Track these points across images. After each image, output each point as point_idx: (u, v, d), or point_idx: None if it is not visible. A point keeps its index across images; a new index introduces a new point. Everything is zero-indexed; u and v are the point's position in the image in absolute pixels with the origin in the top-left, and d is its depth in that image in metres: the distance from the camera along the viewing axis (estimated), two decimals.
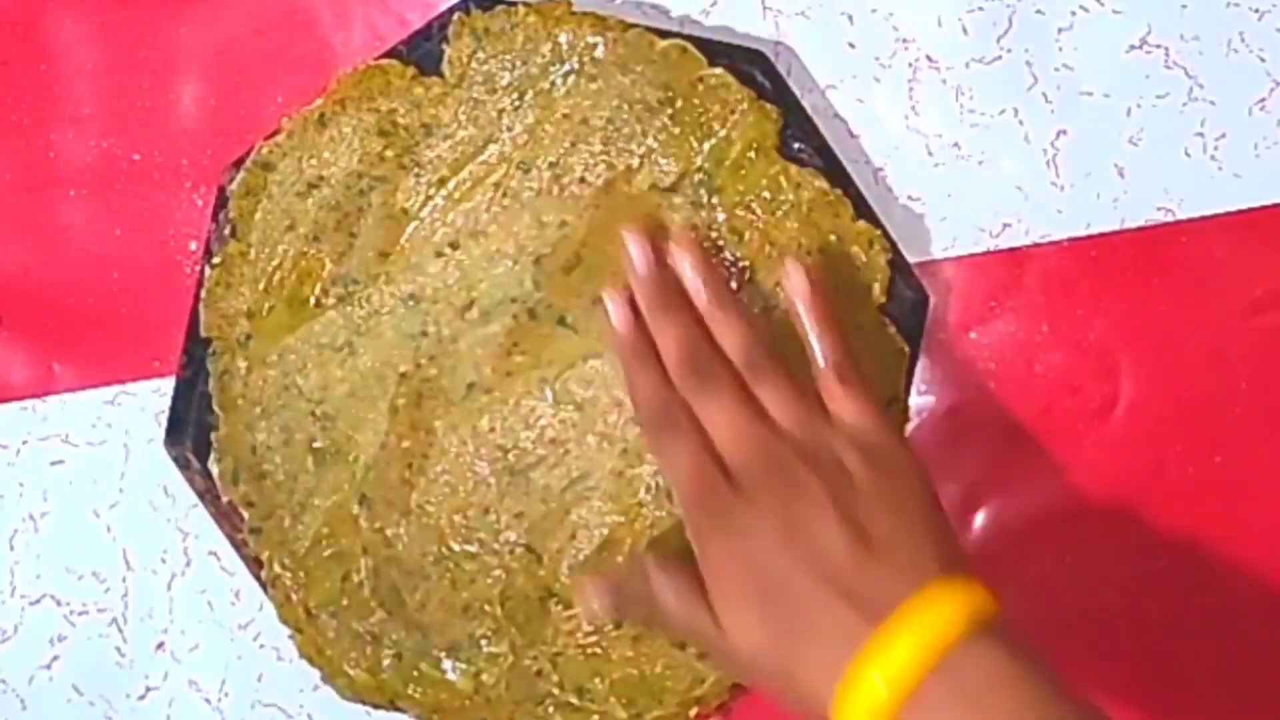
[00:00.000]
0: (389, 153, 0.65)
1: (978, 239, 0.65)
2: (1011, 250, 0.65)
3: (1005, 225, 0.65)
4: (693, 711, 0.63)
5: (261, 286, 0.66)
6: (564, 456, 0.64)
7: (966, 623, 0.48)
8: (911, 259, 0.64)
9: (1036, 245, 0.65)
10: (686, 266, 0.60)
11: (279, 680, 0.69)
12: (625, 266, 0.61)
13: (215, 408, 0.66)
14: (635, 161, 0.64)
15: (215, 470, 0.66)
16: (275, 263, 0.66)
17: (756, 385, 0.56)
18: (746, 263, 0.63)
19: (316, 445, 0.65)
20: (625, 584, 0.57)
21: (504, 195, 0.65)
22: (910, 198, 0.65)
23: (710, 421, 0.56)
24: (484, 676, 0.64)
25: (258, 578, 0.67)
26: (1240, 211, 0.64)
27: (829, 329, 0.57)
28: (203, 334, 0.66)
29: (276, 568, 0.66)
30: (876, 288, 0.63)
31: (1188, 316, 0.64)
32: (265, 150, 0.66)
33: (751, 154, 0.63)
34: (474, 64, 0.65)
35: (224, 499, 0.66)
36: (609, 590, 0.57)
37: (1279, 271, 0.64)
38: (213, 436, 0.66)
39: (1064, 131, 0.65)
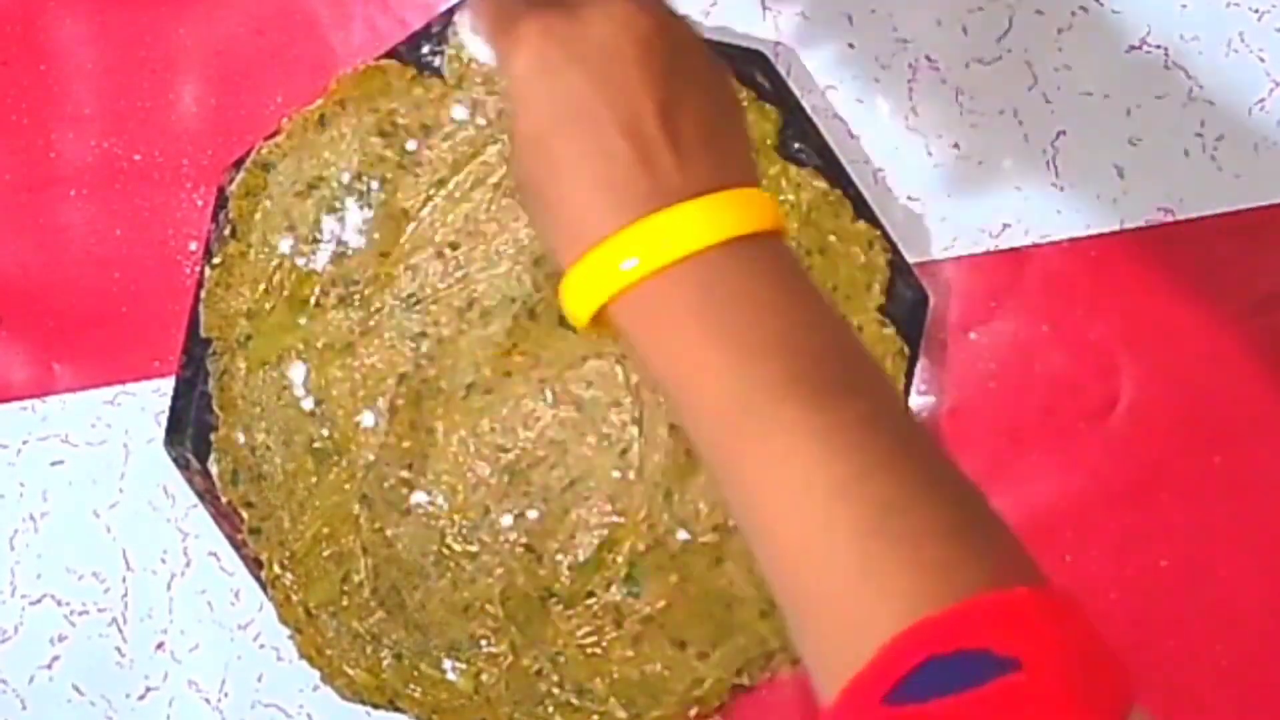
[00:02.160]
0: (389, 153, 0.65)
1: (978, 239, 0.65)
2: (1011, 250, 0.65)
3: (1005, 225, 0.65)
4: (693, 711, 0.63)
5: (261, 287, 0.66)
6: (564, 456, 0.64)
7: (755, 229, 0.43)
8: (911, 259, 0.64)
9: (1036, 245, 0.65)
10: None
11: (279, 680, 0.69)
12: None
13: (215, 408, 0.66)
14: None
15: (214, 470, 0.66)
16: (275, 263, 0.66)
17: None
18: None
19: (316, 445, 0.65)
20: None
21: (504, 195, 0.65)
22: (910, 198, 0.65)
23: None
24: (484, 676, 0.64)
25: (258, 578, 0.67)
26: (1240, 211, 0.64)
27: None
28: (203, 334, 0.66)
29: (276, 568, 0.66)
30: (876, 288, 0.63)
31: (1188, 316, 0.64)
32: (265, 150, 0.66)
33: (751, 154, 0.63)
34: (474, 64, 0.65)
35: (223, 499, 0.66)
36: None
37: (1279, 271, 0.64)
38: (212, 437, 0.66)
39: (1064, 131, 0.65)
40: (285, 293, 0.66)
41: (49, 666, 0.71)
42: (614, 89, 0.44)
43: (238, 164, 0.66)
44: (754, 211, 0.43)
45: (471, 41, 0.51)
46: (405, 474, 0.65)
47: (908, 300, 0.63)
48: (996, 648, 0.36)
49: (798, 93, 0.64)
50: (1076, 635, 0.38)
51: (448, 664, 0.65)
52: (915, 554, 0.38)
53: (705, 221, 0.43)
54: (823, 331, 0.43)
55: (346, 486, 0.65)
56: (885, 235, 0.63)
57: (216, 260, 0.66)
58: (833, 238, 0.63)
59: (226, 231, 0.66)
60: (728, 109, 0.47)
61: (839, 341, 0.43)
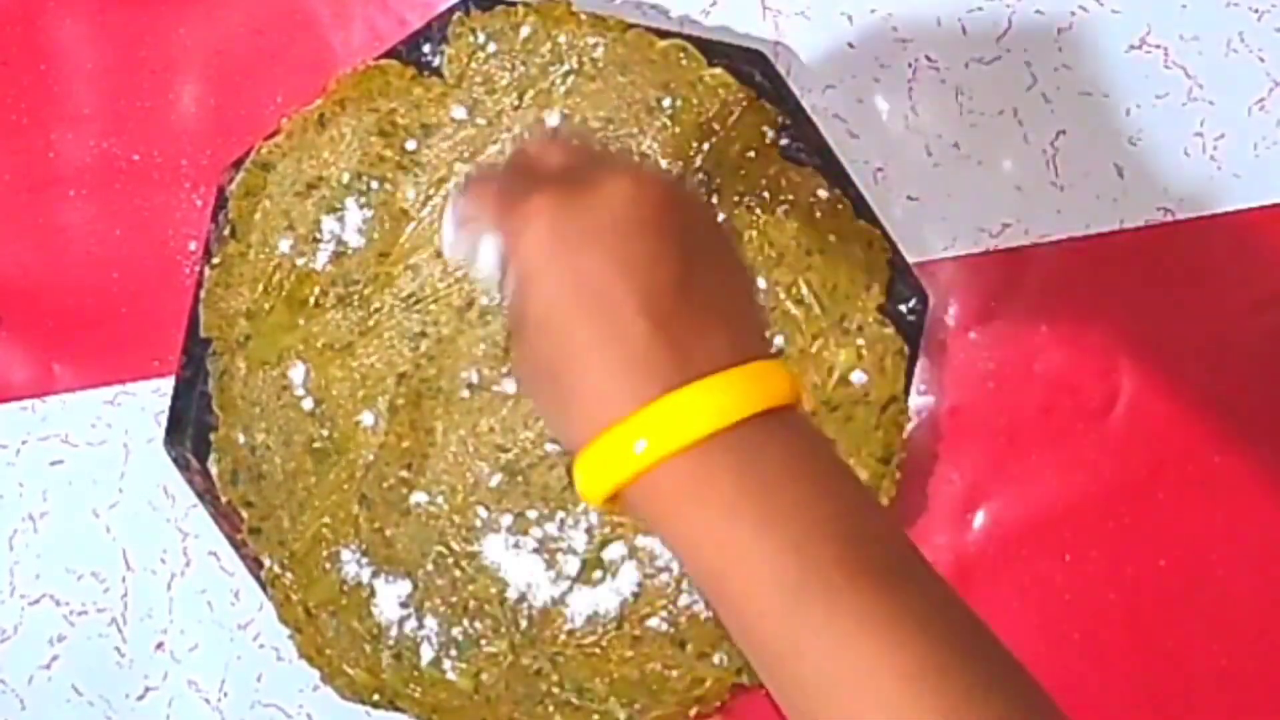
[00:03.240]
0: (389, 153, 0.65)
1: (978, 239, 0.65)
2: (1011, 250, 0.65)
3: (1005, 225, 0.65)
4: (693, 711, 0.63)
5: (261, 287, 0.66)
6: (563, 456, 0.64)
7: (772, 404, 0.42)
8: (911, 259, 0.64)
9: (1036, 245, 0.65)
10: None
11: (279, 680, 0.69)
12: None
13: (215, 408, 0.66)
14: (635, 161, 0.64)
15: (214, 470, 0.66)
16: (275, 263, 0.66)
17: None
18: (746, 262, 0.63)
19: (316, 445, 0.65)
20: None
21: None
22: (910, 198, 0.65)
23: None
24: (484, 676, 0.64)
25: (258, 578, 0.67)
26: (1240, 211, 0.64)
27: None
28: (202, 334, 0.66)
29: (276, 568, 0.66)
30: (876, 288, 0.63)
31: (1188, 316, 0.64)
32: (265, 150, 0.66)
33: (751, 154, 0.63)
34: (474, 64, 0.65)
35: (223, 499, 0.66)
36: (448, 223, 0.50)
37: (1279, 271, 0.64)
38: (212, 437, 0.66)
39: (1064, 131, 0.65)
40: (285, 293, 0.66)
41: (48, 666, 0.71)
42: (629, 266, 0.43)
43: (237, 164, 0.66)
44: (775, 385, 0.42)
45: (458, 243, 0.50)
46: (405, 474, 0.65)
47: (908, 300, 0.63)
48: None
49: (798, 93, 0.64)
50: None
51: (448, 664, 0.65)
52: None
53: (729, 398, 0.41)
54: (865, 512, 0.42)
55: (346, 486, 0.65)
56: (885, 235, 0.63)
57: (216, 260, 0.66)
58: (833, 238, 0.63)
59: (226, 231, 0.66)
60: (739, 278, 0.46)
61: (880, 521, 0.42)
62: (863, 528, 0.41)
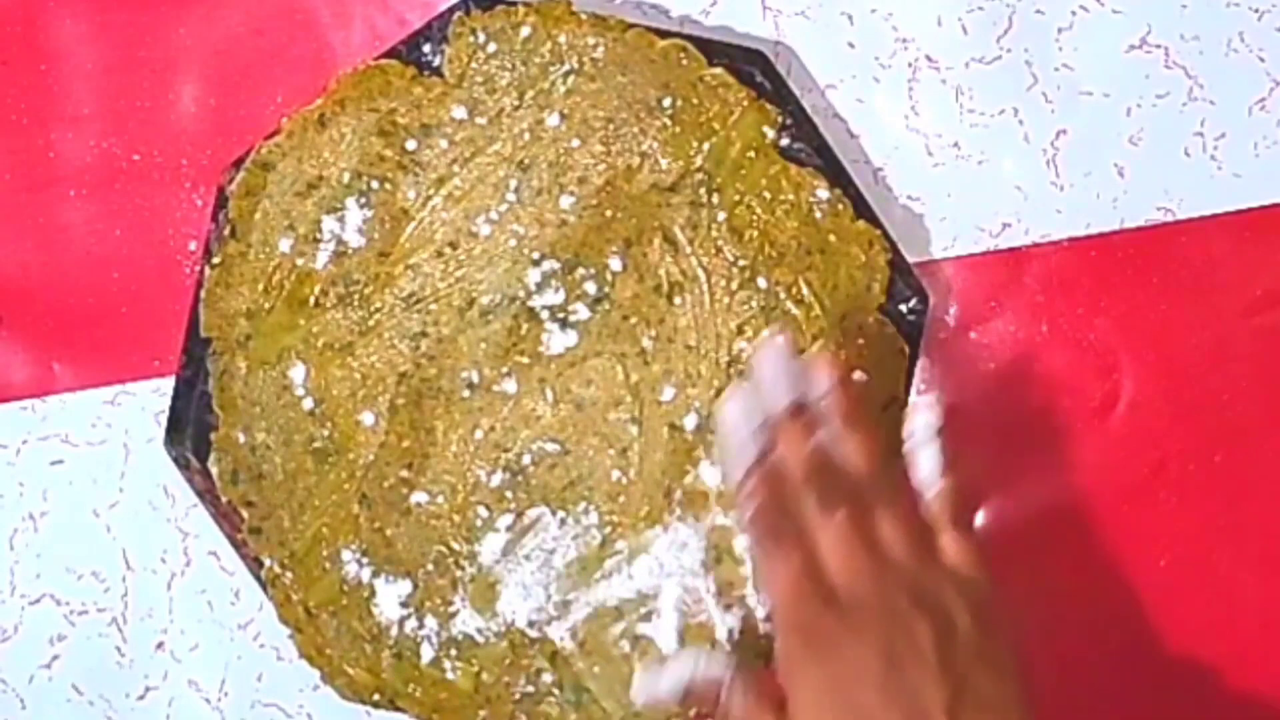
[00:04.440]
0: (389, 153, 0.65)
1: (978, 239, 0.65)
2: (1011, 250, 0.65)
3: (1005, 225, 0.65)
4: (692, 712, 0.63)
5: (261, 286, 0.66)
6: (564, 456, 0.64)
7: None
8: (911, 259, 0.64)
9: (1036, 245, 0.65)
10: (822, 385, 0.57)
11: (279, 680, 0.69)
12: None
13: (215, 408, 0.66)
14: (635, 161, 0.64)
15: (214, 470, 0.66)
16: (275, 263, 0.66)
17: (873, 509, 0.55)
18: (746, 262, 0.63)
19: (316, 445, 0.65)
20: (698, 677, 0.56)
21: (504, 195, 0.65)
22: (910, 198, 0.65)
23: (823, 542, 0.54)
24: (484, 676, 0.64)
25: (258, 578, 0.67)
26: (1240, 211, 0.64)
27: (951, 465, 0.56)
28: (203, 334, 0.66)
29: (276, 568, 0.66)
30: (876, 288, 0.63)
31: (1188, 316, 0.64)
32: (265, 150, 0.66)
33: (751, 154, 0.63)
34: (474, 64, 0.65)
35: (223, 499, 0.66)
36: (680, 680, 0.56)
37: (1279, 271, 0.64)
38: (212, 436, 0.66)
39: (1064, 131, 0.65)
40: (285, 292, 0.66)
41: (48, 666, 0.71)
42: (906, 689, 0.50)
43: (237, 164, 0.66)
44: None
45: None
46: (405, 474, 0.65)
47: (908, 300, 0.63)
48: None
49: (798, 93, 0.64)
50: None
51: (448, 664, 0.65)
52: None
53: None
54: None
55: (346, 486, 0.65)
56: (885, 235, 0.63)
57: (216, 260, 0.66)
58: (833, 238, 0.63)
59: (226, 231, 0.66)
60: (1015, 689, 0.52)
61: None
62: None
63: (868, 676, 0.50)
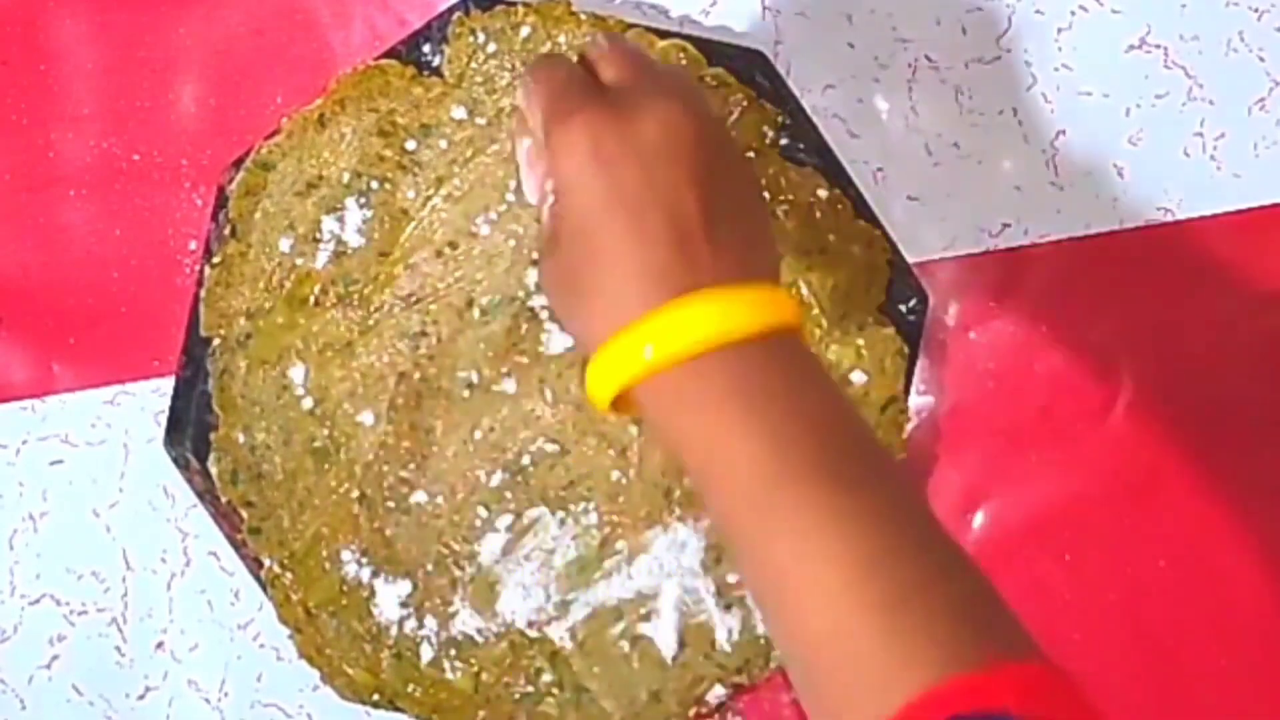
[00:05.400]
0: (389, 153, 0.65)
1: (978, 239, 0.65)
2: (1011, 250, 0.65)
3: (1005, 225, 0.65)
4: (692, 711, 0.63)
5: (261, 286, 0.66)
6: (564, 456, 0.64)
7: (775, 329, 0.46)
8: (911, 259, 0.64)
9: (1036, 245, 0.65)
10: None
11: (279, 680, 0.69)
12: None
13: (215, 407, 0.66)
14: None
15: (214, 470, 0.66)
16: (275, 262, 0.66)
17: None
18: None
19: (316, 445, 0.65)
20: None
21: (504, 195, 0.65)
22: (910, 198, 0.65)
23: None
24: (484, 676, 0.64)
25: (258, 578, 0.67)
26: (1240, 211, 0.64)
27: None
28: (203, 334, 0.66)
29: (276, 568, 0.66)
30: (876, 288, 0.63)
31: (1188, 316, 0.64)
32: (265, 150, 0.66)
33: (751, 154, 0.63)
34: (474, 64, 0.65)
35: (223, 499, 0.66)
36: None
37: (1279, 271, 0.64)
38: (212, 436, 0.66)
39: (1064, 131, 0.65)
40: (285, 292, 0.66)
41: (48, 666, 0.71)
42: (661, 183, 0.47)
43: (237, 164, 0.66)
44: (779, 307, 0.47)
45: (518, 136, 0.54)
46: (405, 474, 0.65)
47: (908, 300, 0.63)
48: (1014, 709, 0.39)
49: (798, 93, 0.64)
50: (1083, 706, 0.41)
51: (447, 664, 0.65)
52: (934, 627, 0.41)
53: (734, 311, 0.46)
54: (846, 426, 0.46)
55: (346, 486, 0.65)
56: (885, 235, 0.63)
57: (216, 260, 0.66)
58: (833, 238, 0.63)
59: (226, 231, 0.66)
60: (758, 209, 0.51)
61: (860, 435, 0.46)
62: (841, 434, 0.46)
63: (630, 161, 0.47)
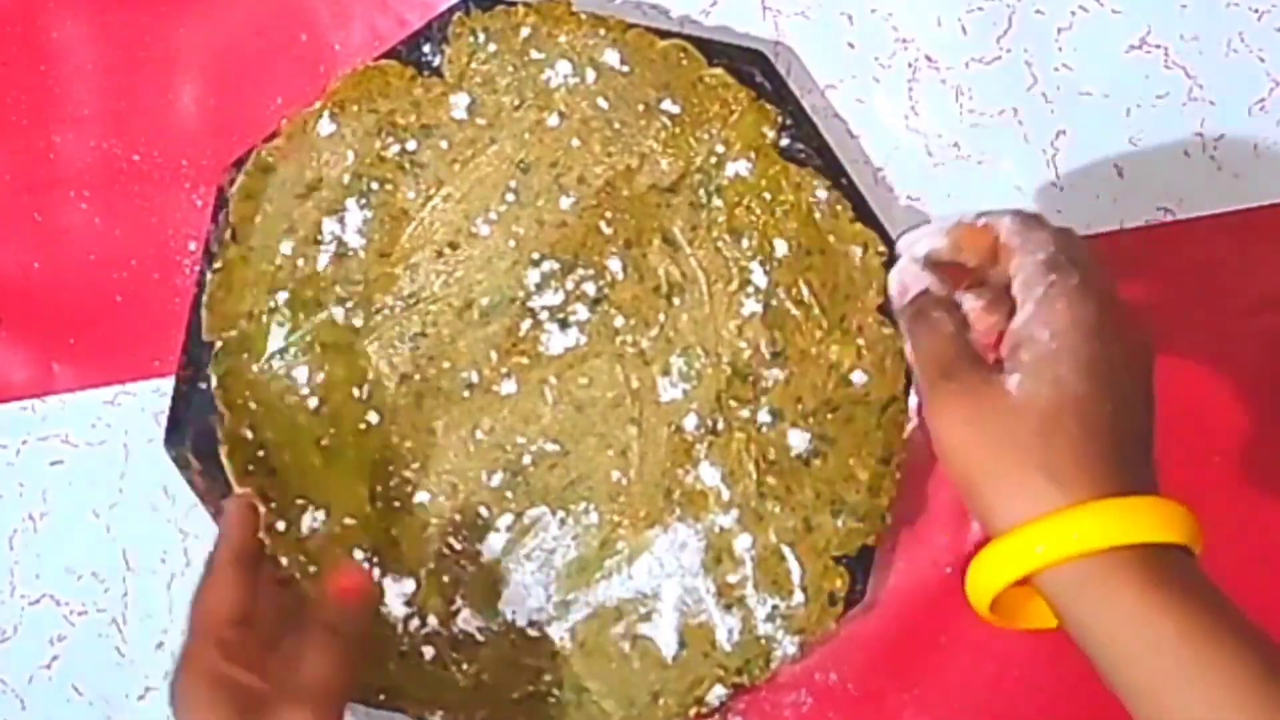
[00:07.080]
0: (389, 153, 0.65)
1: None
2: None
3: None
4: (692, 711, 0.63)
5: (263, 289, 0.66)
6: (564, 456, 0.64)
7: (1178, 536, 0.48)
8: None
9: None
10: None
11: None
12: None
13: (220, 408, 0.66)
14: (635, 161, 0.64)
15: (227, 464, 0.65)
16: (276, 265, 0.66)
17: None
18: (746, 263, 0.63)
19: (323, 444, 0.65)
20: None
21: (504, 195, 0.65)
22: (910, 198, 0.65)
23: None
24: (484, 676, 0.64)
25: None
26: (1240, 211, 0.64)
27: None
28: (204, 336, 0.66)
29: (295, 571, 0.65)
30: (876, 288, 0.63)
31: (1188, 316, 0.64)
32: (265, 153, 0.66)
33: (751, 154, 0.63)
34: (474, 64, 0.65)
35: (238, 490, 0.65)
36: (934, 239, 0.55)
37: (1279, 271, 0.64)
38: (219, 432, 0.66)
39: (1064, 131, 0.65)
40: (286, 294, 0.66)
41: (48, 666, 0.71)
42: (1080, 396, 0.49)
43: (238, 164, 0.66)
44: (1179, 522, 0.48)
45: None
46: (406, 474, 0.65)
47: None
48: None
49: (798, 93, 0.64)
50: None
51: (449, 663, 0.65)
52: None
53: (1135, 519, 0.48)
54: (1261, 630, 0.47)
55: (351, 486, 0.65)
56: (885, 236, 0.63)
57: (218, 265, 0.66)
58: (832, 238, 0.63)
59: (227, 235, 0.66)
60: (1151, 422, 0.52)
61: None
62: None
63: (1020, 421, 0.50)
